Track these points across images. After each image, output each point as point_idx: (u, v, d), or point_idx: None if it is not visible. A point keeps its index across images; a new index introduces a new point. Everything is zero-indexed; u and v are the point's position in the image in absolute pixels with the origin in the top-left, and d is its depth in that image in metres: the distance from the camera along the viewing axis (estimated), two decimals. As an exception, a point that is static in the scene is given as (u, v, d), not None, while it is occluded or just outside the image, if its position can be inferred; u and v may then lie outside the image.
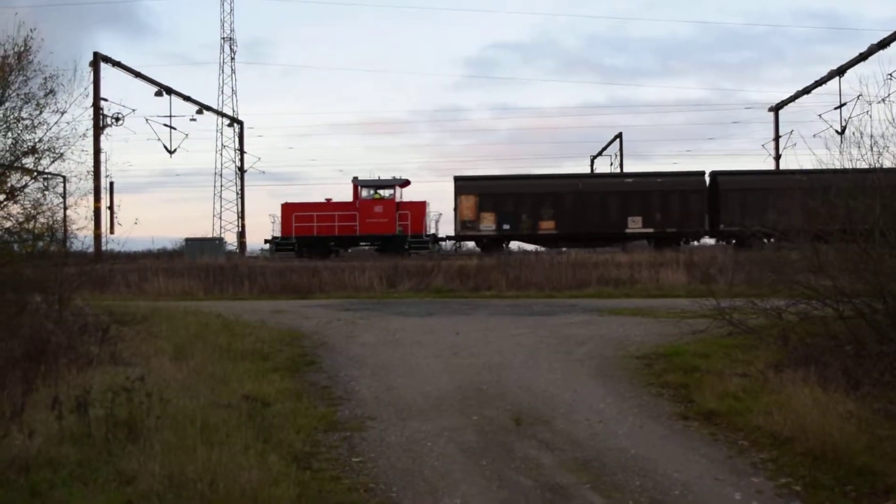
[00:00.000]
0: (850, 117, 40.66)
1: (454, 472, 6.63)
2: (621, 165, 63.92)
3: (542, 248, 39.82)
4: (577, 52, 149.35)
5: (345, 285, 25.94)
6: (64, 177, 16.97)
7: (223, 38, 65.79)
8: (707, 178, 39.80)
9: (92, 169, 33.44)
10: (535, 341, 13.71)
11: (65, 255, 15.47)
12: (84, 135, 16.53)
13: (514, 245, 41.29)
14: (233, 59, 66.10)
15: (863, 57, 41.34)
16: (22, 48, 14.03)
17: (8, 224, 14.28)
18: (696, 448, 7.30)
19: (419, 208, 39.40)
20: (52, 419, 6.96)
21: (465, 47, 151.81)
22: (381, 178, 39.89)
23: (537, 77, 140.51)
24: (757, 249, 32.86)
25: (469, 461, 6.96)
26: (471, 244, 41.56)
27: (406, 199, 40.87)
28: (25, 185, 14.79)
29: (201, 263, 31.71)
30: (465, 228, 39.29)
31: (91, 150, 34.36)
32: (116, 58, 41.27)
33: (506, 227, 38.89)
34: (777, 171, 39.86)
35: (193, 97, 50.99)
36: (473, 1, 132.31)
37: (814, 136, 45.01)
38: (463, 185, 39.80)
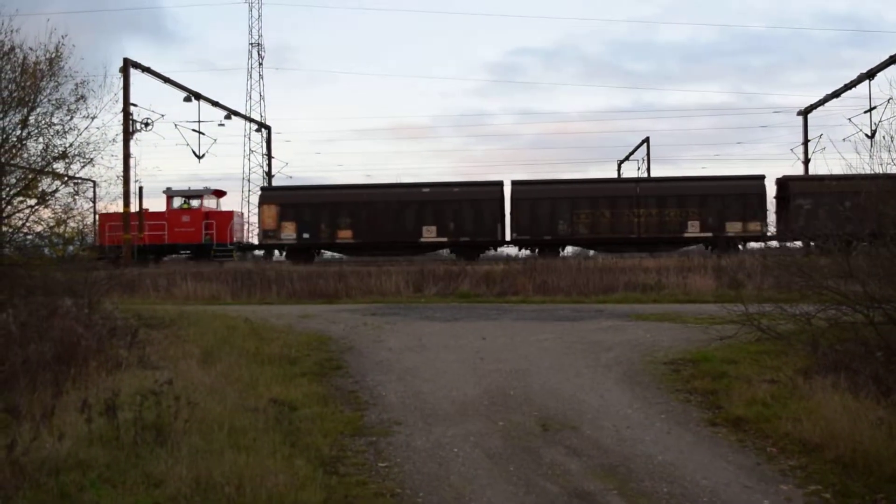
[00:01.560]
0: (880, 121, 40.23)
1: (480, 478, 6.63)
2: (648, 170, 63.59)
3: (344, 256, 41.60)
4: (599, 57, 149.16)
5: (371, 290, 25.93)
6: (94, 181, 17.18)
7: (251, 44, 66.46)
8: (506, 188, 40.75)
9: (121, 174, 33.80)
10: (562, 346, 13.66)
11: (95, 258, 15.62)
12: (114, 140, 16.75)
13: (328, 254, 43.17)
14: (261, 64, 66.67)
15: (893, 60, 40.83)
16: (53, 54, 14.22)
17: (39, 228, 14.47)
18: (724, 455, 7.25)
19: (225, 218, 40.93)
20: (81, 422, 7.03)
21: (488, 53, 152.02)
22: (192, 188, 41.42)
23: (561, 82, 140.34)
24: (552, 257, 35.04)
25: (495, 467, 6.95)
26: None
27: (224, 208, 42.52)
28: (56, 190, 14.98)
29: (229, 268, 31.89)
30: (266, 237, 40.43)
31: (121, 155, 34.74)
32: (144, 65, 41.59)
33: (305, 235, 39.88)
34: (568, 181, 41.87)
35: (221, 102, 51.29)
36: (496, 7, 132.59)
37: (843, 139, 44.59)
38: (265, 195, 41.45)
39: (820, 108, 51.62)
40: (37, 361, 9.24)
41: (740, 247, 38.41)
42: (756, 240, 38.90)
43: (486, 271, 27.47)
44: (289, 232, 39.72)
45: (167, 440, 6.90)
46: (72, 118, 14.52)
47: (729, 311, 12.39)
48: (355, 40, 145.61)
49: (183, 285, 26.84)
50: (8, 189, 14.18)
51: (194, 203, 40.87)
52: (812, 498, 6.02)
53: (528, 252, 40.16)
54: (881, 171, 11.05)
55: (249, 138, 63.98)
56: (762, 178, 39.26)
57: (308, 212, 39.84)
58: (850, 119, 44.88)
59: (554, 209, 38.73)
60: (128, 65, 39.40)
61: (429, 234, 39.35)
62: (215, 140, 49.24)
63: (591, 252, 40.19)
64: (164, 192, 41.27)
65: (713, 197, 38.31)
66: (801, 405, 8.11)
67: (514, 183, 40.47)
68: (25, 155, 14.27)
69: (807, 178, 39.29)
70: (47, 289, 13.12)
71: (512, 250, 41.44)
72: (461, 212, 39.38)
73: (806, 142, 52.69)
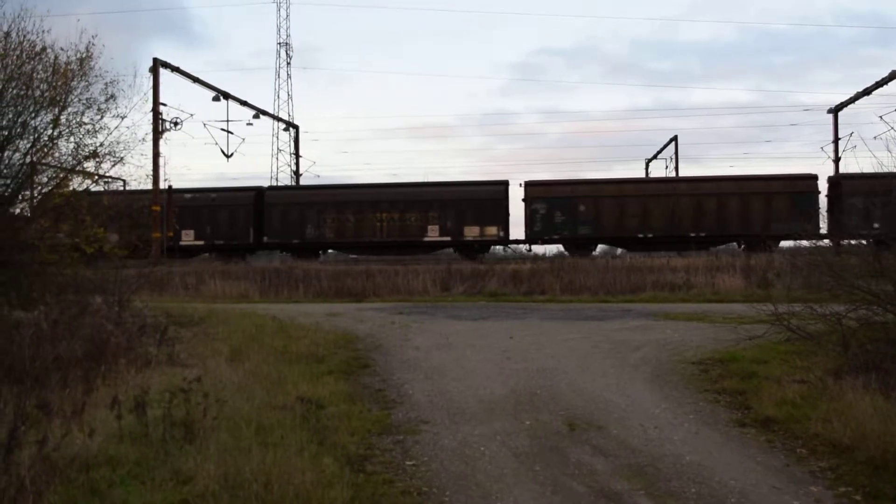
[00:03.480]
0: (912, 119, 39.76)
1: (507, 477, 6.61)
2: (676, 169, 63.18)
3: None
4: (621, 57, 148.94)
5: (399, 289, 26.00)
6: (124, 181, 17.35)
7: (279, 44, 66.66)
8: (263, 194, 42.39)
9: (151, 173, 34.14)
10: (589, 346, 13.61)
11: (124, 257, 15.76)
12: (143, 139, 16.93)
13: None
14: (289, 63, 66.91)
15: (926, 57, 40.39)
16: (84, 54, 14.36)
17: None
18: (752, 455, 7.19)
19: None
20: (111, 419, 7.09)
21: (510, 53, 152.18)
22: None
23: (584, 81, 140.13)
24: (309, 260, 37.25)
25: (522, 466, 6.94)
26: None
27: None
28: (86, 189, 15.12)
29: (257, 267, 32.07)
30: None
31: (150, 154, 35.07)
32: (174, 65, 41.82)
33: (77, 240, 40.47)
34: (317, 187, 44.94)
35: (250, 102, 51.52)
36: (518, 7, 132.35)
37: (874, 137, 44.18)
38: None
39: (850, 106, 51.07)
40: (68, 359, 9.34)
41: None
42: (495, 244, 40.62)
43: (513, 270, 27.49)
44: None
45: (196, 437, 6.95)
46: (102, 117, 14.67)
47: (758, 311, 12.30)
48: (379, 40, 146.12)
49: (211, 284, 27.07)
50: (39, 188, 14.34)
51: None
52: (842, 500, 5.96)
53: (284, 254, 42.18)
54: None
55: (277, 137, 64.25)
56: (504, 183, 40.54)
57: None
58: (881, 117, 44.55)
59: (303, 214, 40.50)
60: (157, 65, 39.69)
61: (187, 237, 40.91)
62: (244, 139, 49.54)
63: (352, 256, 42.54)
64: None
65: (453, 202, 39.73)
66: (832, 406, 8.02)
67: (268, 189, 42.68)
68: (56, 154, 14.43)
69: (541, 184, 40.53)
70: (78, 287, 13.25)
71: (533, 249, 41.67)
72: (217, 216, 41.12)
73: (836, 140, 52.14)
